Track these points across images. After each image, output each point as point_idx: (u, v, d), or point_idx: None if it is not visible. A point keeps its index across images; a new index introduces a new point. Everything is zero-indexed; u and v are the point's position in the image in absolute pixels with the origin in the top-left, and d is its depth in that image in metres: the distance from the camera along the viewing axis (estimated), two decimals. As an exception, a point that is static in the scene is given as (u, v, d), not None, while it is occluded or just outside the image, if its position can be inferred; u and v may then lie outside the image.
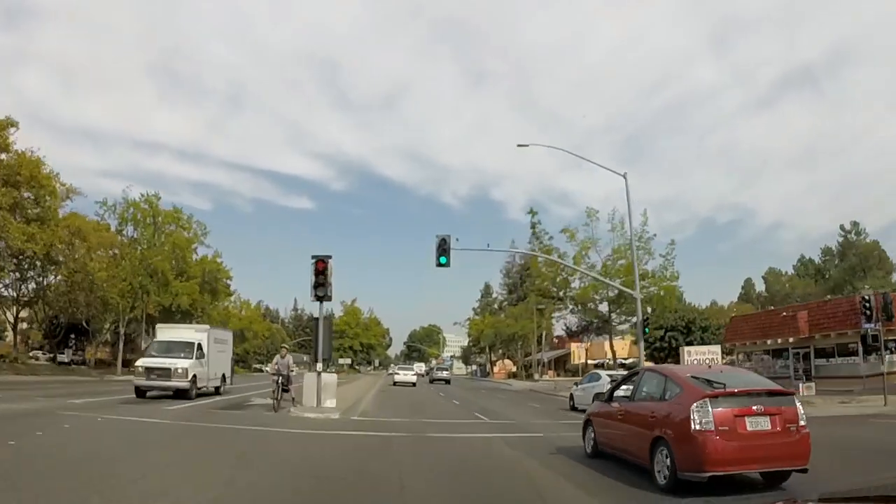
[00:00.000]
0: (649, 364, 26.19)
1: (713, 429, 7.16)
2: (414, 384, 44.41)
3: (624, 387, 9.88)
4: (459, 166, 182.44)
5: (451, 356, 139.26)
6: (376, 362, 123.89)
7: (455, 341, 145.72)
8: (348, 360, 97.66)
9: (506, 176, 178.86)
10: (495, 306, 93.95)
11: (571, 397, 24.09)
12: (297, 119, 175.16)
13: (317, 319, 18.49)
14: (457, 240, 23.70)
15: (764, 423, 7.38)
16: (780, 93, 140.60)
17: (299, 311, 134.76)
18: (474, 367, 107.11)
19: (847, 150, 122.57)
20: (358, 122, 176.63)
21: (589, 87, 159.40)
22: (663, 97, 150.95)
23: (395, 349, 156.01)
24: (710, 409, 7.26)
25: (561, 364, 77.11)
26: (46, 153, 38.54)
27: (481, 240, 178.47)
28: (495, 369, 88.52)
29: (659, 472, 7.73)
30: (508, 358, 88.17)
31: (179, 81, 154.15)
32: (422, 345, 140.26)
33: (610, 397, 10.06)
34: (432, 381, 56.13)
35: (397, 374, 48.42)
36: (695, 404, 7.33)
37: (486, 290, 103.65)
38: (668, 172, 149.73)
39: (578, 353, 74.62)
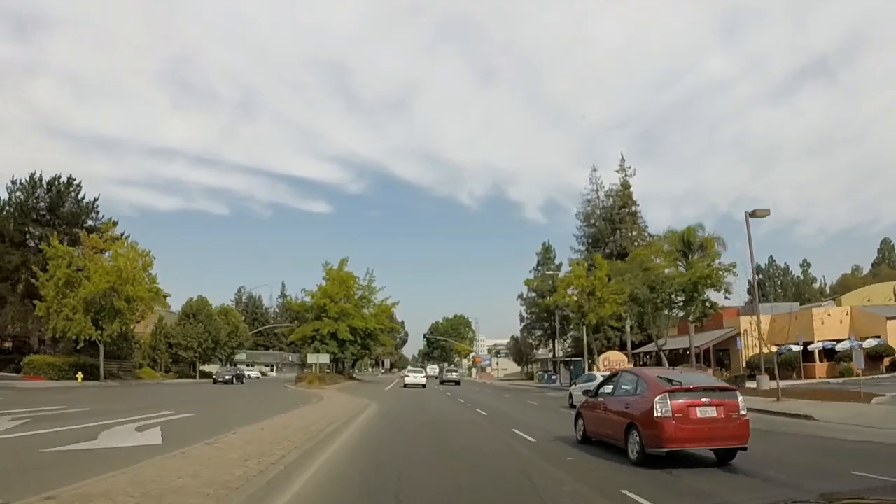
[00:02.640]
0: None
1: (670, 416, 9.36)
2: (423, 385, 48.15)
3: (607, 385, 12.09)
4: (473, 165, 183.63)
5: (496, 353, 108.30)
6: (386, 363, 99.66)
7: (482, 341, 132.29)
8: (326, 358, 56.27)
9: (520, 174, 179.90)
10: (559, 274, 58.55)
11: (570, 396, 26.30)
12: (309, 122, 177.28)
13: None
14: None
15: (710, 412, 9.57)
16: (793, 83, 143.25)
17: (288, 298, 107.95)
18: (550, 368, 65.60)
19: (862, 137, 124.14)
20: (369, 123, 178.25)
21: (600, 81, 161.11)
22: (675, 90, 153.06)
23: (414, 348, 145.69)
24: (668, 401, 9.46)
25: (724, 357, 46.32)
26: (57, 160, 35.24)
27: (497, 241, 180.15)
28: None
29: (631, 449, 9.92)
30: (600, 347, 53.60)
31: (189, 88, 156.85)
32: (446, 339, 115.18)
33: (596, 393, 12.28)
34: (442, 382, 60.45)
35: (407, 376, 52.30)
36: (657, 397, 9.53)
37: (546, 254, 73.14)
38: (682, 166, 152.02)
39: (752, 332, 40.09)
